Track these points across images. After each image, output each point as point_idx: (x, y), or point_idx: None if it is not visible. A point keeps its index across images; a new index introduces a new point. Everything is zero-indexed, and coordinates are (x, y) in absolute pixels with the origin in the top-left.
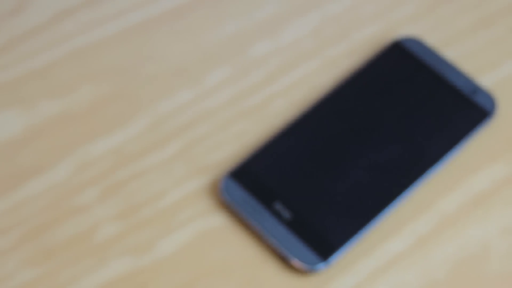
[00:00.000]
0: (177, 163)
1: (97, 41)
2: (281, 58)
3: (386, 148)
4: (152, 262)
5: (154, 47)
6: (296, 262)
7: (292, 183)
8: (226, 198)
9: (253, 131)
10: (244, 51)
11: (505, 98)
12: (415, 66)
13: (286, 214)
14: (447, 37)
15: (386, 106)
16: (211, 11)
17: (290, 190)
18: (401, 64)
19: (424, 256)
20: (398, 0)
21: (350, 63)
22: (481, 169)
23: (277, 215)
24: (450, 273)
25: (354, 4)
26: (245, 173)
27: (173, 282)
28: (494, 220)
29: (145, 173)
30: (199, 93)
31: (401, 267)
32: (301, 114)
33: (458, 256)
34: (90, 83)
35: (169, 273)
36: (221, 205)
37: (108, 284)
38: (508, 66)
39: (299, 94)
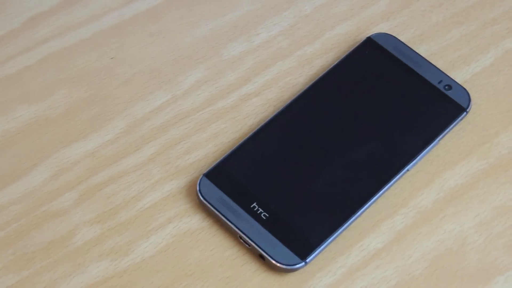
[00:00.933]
0: (154, 165)
1: (71, 45)
2: (256, 58)
3: (362, 145)
4: (131, 265)
5: (129, 50)
6: (274, 261)
7: (269, 182)
8: (203, 199)
9: (229, 132)
10: (218, 52)
11: (479, 93)
12: (389, 63)
13: (263, 213)
14: (420, 33)
15: (361, 104)
16: (184, 13)
17: (266, 189)
18: (375, 60)
19: (401, 252)
20: None
21: (324, 62)
22: (456, 164)
23: (254, 215)
24: (428, 268)
25: (327, 2)
26: (221, 173)
27: (152, 285)
28: (470, 215)
29: (122, 176)
30: (175, 94)
31: (379, 263)
32: (277, 113)
33: (436, 251)
34: (65, 87)
35: (148, 276)
36: (198, 206)
37: None
38: (481, 61)
39: (274, 94)
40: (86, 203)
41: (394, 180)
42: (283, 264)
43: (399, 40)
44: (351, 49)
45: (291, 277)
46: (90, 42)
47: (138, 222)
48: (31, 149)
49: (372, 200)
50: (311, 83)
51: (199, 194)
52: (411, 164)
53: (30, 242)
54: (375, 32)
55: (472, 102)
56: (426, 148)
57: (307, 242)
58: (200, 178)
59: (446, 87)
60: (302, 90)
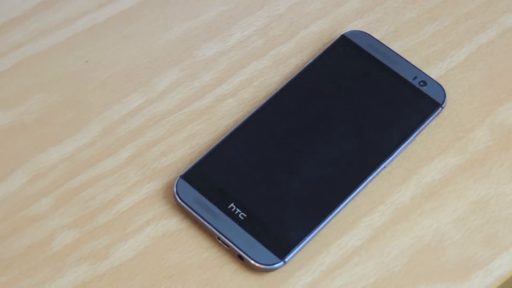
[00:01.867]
0: (131, 168)
1: (45, 49)
2: (230, 58)
3: (338, 143)
4: (110, 268)
5: (103, 53)
6: (253, 261)
7: (246, 183)
8: (180, 201)
9: (205, 133)
10: (192, 53)
11: (454, 88)
12: (364, 60)
13: (241, 214)
14: (394, 30)
15: (336, 102)
16: (157, 14)
17: (244, 189)
18: (349, 58)
19: (380, 249)
20: None
21: (299, 60)
22: (433, 159)
23: (232, 215)
24: (407, 264)
25: (301, 1)
26: (198, 175)
27: None
28: (448, 210)
29: (99, 179)
30: (150, 97)
31: (357, 261)
32: (252, 113)
33: (414, 247)
34: (40, 92)
35: (127, 279)
36: (176, 208)
37: None
38: (455, 56)
39: (249, 94)
40: (64, 208)
41: (371, 177)
42: (262, 264)
43: (373, 37)
44: (325, 47)
45: (270, 276)
46: (64, 46)
47: (116, 225)
48: (7, 155)
49: (349, 198)
50: (286, 82)
51: (177, 196)
52: (388, 161)
53: (9, 248)
54: (349, 29)
55: (448, 98)
56: (402, 144)
57: (286, 241)
58: (177, 180)
59: (421, 83)
60: (277, 90)
